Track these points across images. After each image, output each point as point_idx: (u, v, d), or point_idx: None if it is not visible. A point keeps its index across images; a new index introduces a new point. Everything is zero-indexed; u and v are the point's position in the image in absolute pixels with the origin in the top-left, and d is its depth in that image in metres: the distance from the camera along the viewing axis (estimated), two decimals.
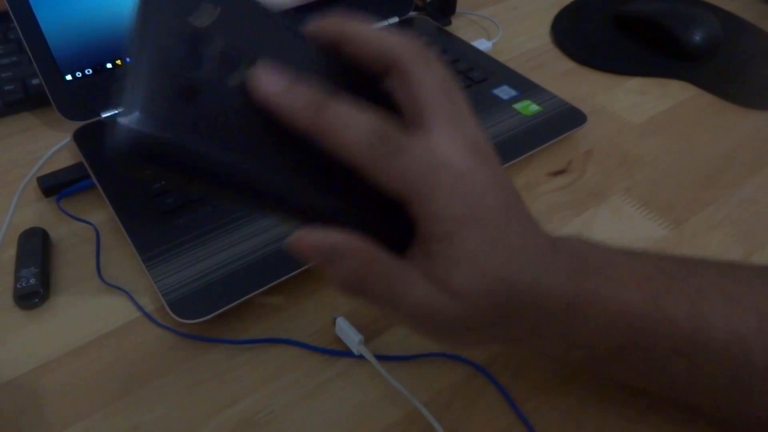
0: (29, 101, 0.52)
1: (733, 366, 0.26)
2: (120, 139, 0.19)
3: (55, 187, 0.44)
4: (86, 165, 0.44)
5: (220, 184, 0.21)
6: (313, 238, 0.23)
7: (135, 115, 0.19)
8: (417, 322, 0.25)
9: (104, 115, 0.48)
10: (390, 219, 0.25)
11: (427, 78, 0.25)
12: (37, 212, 0.43)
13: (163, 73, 0.20)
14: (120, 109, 0.19)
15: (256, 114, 0.22)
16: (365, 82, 0.26)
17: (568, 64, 0.59)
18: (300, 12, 0.55)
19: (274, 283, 0.37)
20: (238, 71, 0.22)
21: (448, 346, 0.34)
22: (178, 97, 0.20)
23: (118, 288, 0.38)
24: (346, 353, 0.35)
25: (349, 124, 0.22)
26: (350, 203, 0.24)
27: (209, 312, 0.35)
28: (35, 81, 0.52)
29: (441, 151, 0.24)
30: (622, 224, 0.43)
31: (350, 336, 0.34)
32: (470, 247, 0.23)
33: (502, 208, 0.24)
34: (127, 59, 0.21)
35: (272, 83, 0.22)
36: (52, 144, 0.48)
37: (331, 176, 0.24)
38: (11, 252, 0.40)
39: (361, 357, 0.34)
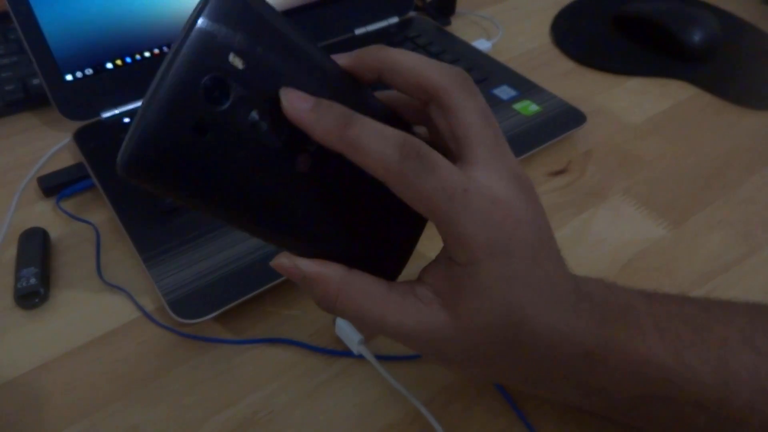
0: (29, 101, 0.52)
1: (758, 422, 0.25)
2: (128, 155, 0.21)
3: (56, 187, 0.44)
4: (86, 165, 0.44)
5: (214, 211, 0.23)
6: (286, 266, 0.25)
7: (144, 138, 0.20)
8: (405, 342, 0.25)
9: (104, 115, 0.48)
10: (384, 245, 0.27)
11: (469, 106, 0.24)
12: (37, 212, 0.43)
13: (182, 106, 0.21)
14: (132, 130, 0.21)
15: (259, 154, 0.23)
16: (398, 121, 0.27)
17: (568, 64, 0.59)
18: (301, 12, 0.55)
19: (274, 283, 0.37)
20: (256, 112, 0.23)
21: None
22: (190, 130, 0.21)
23: (118, 288, 0.38)
24: (346, 353, 0.35)
25: (377, 138, 0.22)
26: (332, 235, 0.25)
27: (209, 312, 0.35)
28: (35, 81, 0.52)
29: (478, 175, 0.23)
30: (621, 224, 0.43)
31: (350, 336, 0.34)
32: (490, 280, 0.23)
33: (533, 245, 0.24)
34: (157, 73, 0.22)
35: (303, 101, 0.23)
36: (52, 144, 0.48)
37: (315, 212, 0.25)
38: (11, 252, 0.40)
39: (361, 357, 0.34)
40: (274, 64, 0.23)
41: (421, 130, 0.29)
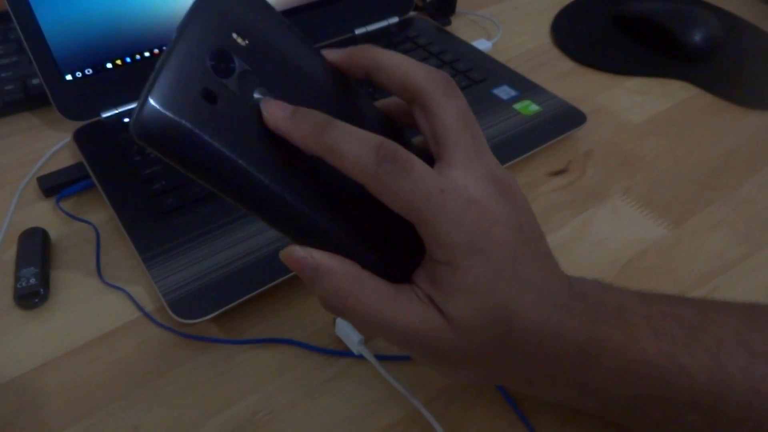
0: (29, 101, 0.52)
1: (753, 423, 0.25)
2: (143, 116, 0.20)
3: (55, 187, 0.44)
4: (86, 165, 0.44)
5: (222, 184, 0.23)
6: (298, 255, 0.24)
7: (159, 100, 0.21)
8: (407, 345, 0.25)
9: (104, 115, 0.48)
10: (391, 245, 0.26)
11: (450, 109, 0.25)
12: (37, 212, 0.43)
13: (193, 74, 0.22)
14: (145, 93, 0.21)
15: (266, 134, 0.23)
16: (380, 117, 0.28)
17: (568, 64, 0.59)
18: (301, 12, 0.55)
19: (274, 282, 0.37)
20: (258, 91, 0.24)
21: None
22: (201, 96, 0.22)
23: (118, 288, 0.38)
24: (346, 353, 0.35)
25: (354, 141, 0.23)
26: (343, 228, 0.25)
27: (209, 312, 0.35)
28: (35, 81, 0.52)
29: (454, 176, 0.24)
30: (621, 224, 0.43)
31: (350, 336, 0.34)
32: (473, 277, 0.23)
33: (512, 244, 0.24)
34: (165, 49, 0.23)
35: (280, 109, 0.23)
36: (52, 144, 0.48)
37: (327, 200, 0.25)
38: (11, 252, 0.40)
39: (361, 357, 0.34)
40: (274, 44, 0.24)
41: (417, 140, 0.29)
